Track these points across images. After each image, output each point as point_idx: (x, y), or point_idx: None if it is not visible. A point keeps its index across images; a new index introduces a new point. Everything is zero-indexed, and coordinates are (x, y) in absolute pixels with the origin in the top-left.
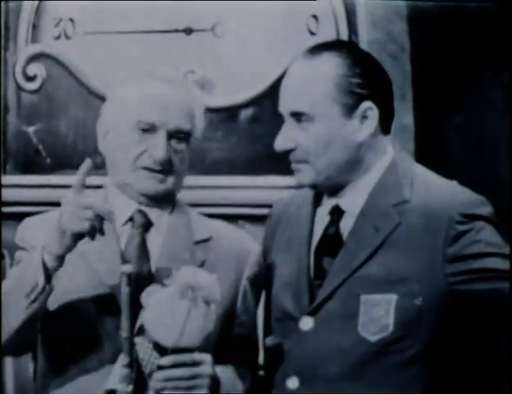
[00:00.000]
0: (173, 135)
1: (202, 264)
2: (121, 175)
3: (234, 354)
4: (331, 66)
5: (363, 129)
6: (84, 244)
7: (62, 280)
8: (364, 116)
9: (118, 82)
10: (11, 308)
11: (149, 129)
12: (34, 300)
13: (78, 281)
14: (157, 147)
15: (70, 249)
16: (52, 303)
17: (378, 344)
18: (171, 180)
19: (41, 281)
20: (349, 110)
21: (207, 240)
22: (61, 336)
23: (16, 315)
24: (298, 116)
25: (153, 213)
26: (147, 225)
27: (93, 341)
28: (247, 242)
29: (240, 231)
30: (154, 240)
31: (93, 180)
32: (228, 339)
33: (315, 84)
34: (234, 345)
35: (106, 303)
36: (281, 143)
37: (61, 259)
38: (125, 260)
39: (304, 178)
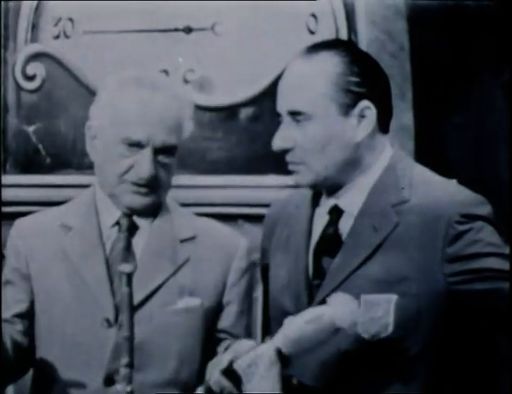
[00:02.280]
0: (160, 150)
1: (186, 261)
2: (108, 185)
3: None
4: (329, 64)
5: (361, 128)
6: (68, 244)
7: (45, 283)
8: (362, 116)
9: (105, 85)
10: None
11: (135, 145)
12: None
13: (61, 284)
14: (144, 165)
15: None
16: (38, 309)
17: (378, 344)
18: (156, 193)
19: None
20: (347, 109)
21: (192, 238)
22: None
23: None
24: (295, 115)
25: (140, 217)
26: (133, 229)
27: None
28: (234, 237)
29: (227, 228)
30: (140, 242)
31: (90, 179)
32: (214, 332)
33: (312, 82)
34: (221, 339)
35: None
36: (278, 142)
37: None
38: (108, 263)
39: (302, 179)
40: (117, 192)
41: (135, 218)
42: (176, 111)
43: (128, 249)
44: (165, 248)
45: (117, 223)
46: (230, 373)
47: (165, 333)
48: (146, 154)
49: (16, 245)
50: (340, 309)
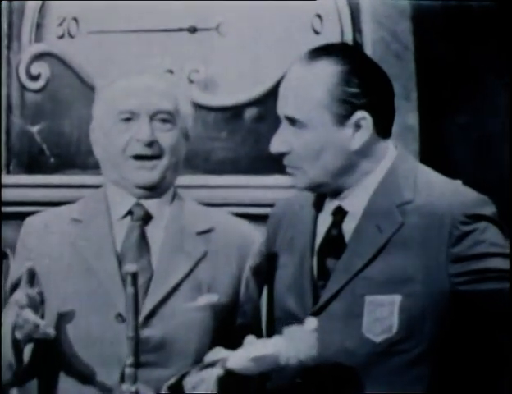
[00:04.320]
0: (155, 116)
1: (204, 255)
2: (114, 170)
3: (237, 343)
4: (327, 73)
5: (357, 137)
6: (78, 237)
7: (57, 279)
8: (358, 126)
9: (98, 87)
10: None
11: (131, 117)
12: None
13: (72, 280)
14: (141, 129)
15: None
16: (47, 309)
17: (382, 344)
18: (162, 164)
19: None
20: (342, 119)
21: (208, 231)
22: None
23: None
24: (291, 121)
25: (153, 206)
26: (146, 217)
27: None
28: (249, 232)
29: (242, 221)
30: (154, 232)
31: (94, 179)
32: (231, 329)
33: (309, 91)
34: (237, 335)
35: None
36: (275, 146)
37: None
38: (119, 255)
39: (299, 183)
40: (123, 173)
41: (149, 207)
42: (170, 86)
43: (142, 239)
44: (182, 241)
45: (129, 213)
46: (176, 387)
47: (186, 330)
48: (142, 120)
49: (26, 243)
50: (289, 347)
